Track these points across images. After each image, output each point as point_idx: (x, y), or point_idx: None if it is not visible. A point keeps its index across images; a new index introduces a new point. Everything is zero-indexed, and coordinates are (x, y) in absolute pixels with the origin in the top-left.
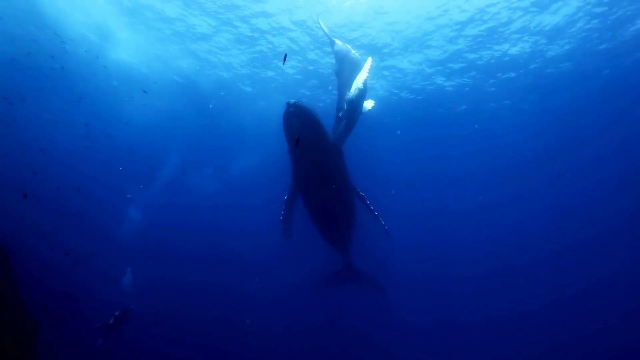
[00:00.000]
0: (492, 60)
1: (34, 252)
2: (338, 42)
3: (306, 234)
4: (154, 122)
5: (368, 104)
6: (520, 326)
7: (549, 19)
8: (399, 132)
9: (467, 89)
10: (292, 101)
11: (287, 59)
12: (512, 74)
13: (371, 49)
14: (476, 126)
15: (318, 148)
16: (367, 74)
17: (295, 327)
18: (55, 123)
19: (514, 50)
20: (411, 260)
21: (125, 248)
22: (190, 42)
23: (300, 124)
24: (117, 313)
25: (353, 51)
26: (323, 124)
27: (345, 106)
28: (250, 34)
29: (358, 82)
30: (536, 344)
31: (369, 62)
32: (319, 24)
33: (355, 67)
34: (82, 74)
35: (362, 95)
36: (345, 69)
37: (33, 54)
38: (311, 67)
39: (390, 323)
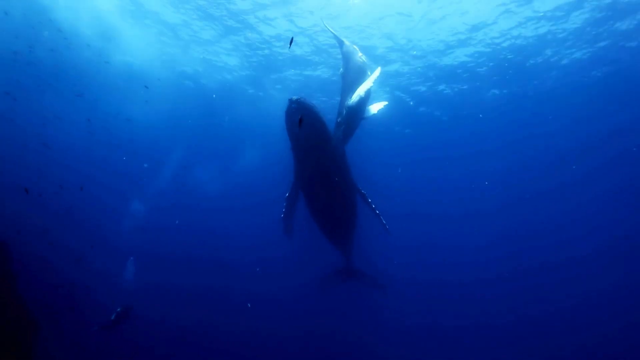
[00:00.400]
0: (490, 64)
1: (34, 249)
2: (346, 42)
3: (308, 233)
4: (155, 119)
5: (376, 107)
6: (518, 332)
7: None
8: (399, 170)
9: (466, 92)
10: (294, 97)
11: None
12: (514, 75)
13: (372, 53)
14: (480, 115)
15: (320, 145)
16: (372, 84)
17: (295, 329)
18: (56, 119)
19: (515, 55)
20: (411, 264)
21: (126, 247)
22: (195, 44)
23: (303, 121)
24: (118, 310)
25: (360, 54)
26: (326, 120)
27: (344, 112)
28: (250, 35)
29: (361, 91)
30: (534, 350)
31: (376, 73)
32: (326, 26)
33: (360, 72)
34: (83, 69)
35: (362, 103)
36: (349, 72)
37: (35, 50)
38: (312, 72)
39: (389, 327)
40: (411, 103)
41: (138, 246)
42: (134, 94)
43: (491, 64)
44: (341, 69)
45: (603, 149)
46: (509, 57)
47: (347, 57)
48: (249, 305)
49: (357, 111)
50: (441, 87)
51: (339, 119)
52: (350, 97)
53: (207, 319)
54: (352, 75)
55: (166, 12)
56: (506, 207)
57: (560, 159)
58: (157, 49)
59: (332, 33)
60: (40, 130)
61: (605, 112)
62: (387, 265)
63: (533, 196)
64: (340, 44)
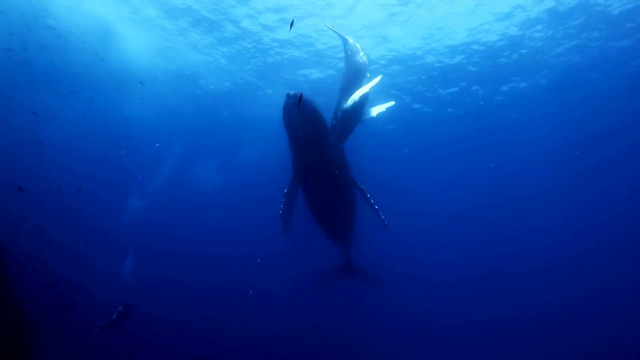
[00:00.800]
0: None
1: (30, 248)
2: (350, 40)
3: (307, 230)
4: (153, 116)
5: (381, 108)
6: (517, 331)
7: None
8: (406, 151)
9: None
10: (292, 92)
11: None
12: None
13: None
14: (482, 102)
15: (317, 138)
16: (368, 90)
17: (294, 324)
18: (50, 117)
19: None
20: (412, 263)
21: (125, 244)
22: (193, 46)
23: (301, 116)
24: (119, 309)
25: (361, 53)
26: (324, 116)
27: (339, 115)
28: (249, 39)
29: (356, 96)
30: (535, 349)
31: (376, 80)
32: (327, 25)
33: (359, 72)
34: (80, 67)
35: (357, 108)
36: (349, 71)
37: (30, 48)
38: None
39: (388, 324)
40: (407, 100)
41: (137, 243)
42: (132, 92)
43: (488, 63)
44: (343, 70)
45: (600, 148)
46: (504, 54)
47: (348, 56)
48: (251, 292)
49: (352, 115)
50: (435, 85)
51: (333, 122)
52: (346, 100)
53: (207, 315)
54: (351, 75)
55: (164, 16)
56: (505, 206)
57: (557, 158)
58: (155, 46)
59: (334, 32)
60: (36, 128)
61: (603, 110)
62: (386, 262)
63: (532, 195)
64: (344, 42)
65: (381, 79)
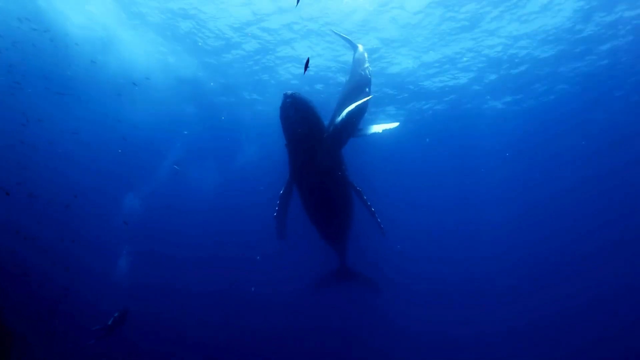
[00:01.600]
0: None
1: (15, 254)
2: (360, 48)
3: (303, 233)
4: (147, 119)
5: (384, 127)
6: (518, 338)
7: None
8: (427, 140)
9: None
10: (289, 92)
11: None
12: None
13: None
14: (487, 99)
15: (315, 140)
16: (354, 109)
17: (294, 329)
18: (41, 120)
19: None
20: (411, 265)
21: (120, 248)
22: (192, 52)
23: (298, 116)
24: (115, 314)
25: (366, 64)
26: (321, 116)
27: (330, 129)
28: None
29: (344, 113)
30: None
31: (363, 100)
32: (334, 33)
33: (360, 84)
34: (73, 69)
35: (346, 123)
36: (351, 80)
37: (24, 50)
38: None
39: (389, 329)
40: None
41: (135, 246)
42: (126, 95)
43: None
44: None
45: (600, 153)
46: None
47: (353, 65)
48: (253, 289)
49: (340, 130)
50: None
51: (325, 135)
52: (340, 111)
53: (206, 317)
54: (351, 85)
55: (162, 39)
56: (510, 214)
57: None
58: (152, 50)
59: (345, 38)
60: (24, 131)
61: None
62: (383, 265)
63: (535, 203)
64: (354, 48)
65: (371, 98)
